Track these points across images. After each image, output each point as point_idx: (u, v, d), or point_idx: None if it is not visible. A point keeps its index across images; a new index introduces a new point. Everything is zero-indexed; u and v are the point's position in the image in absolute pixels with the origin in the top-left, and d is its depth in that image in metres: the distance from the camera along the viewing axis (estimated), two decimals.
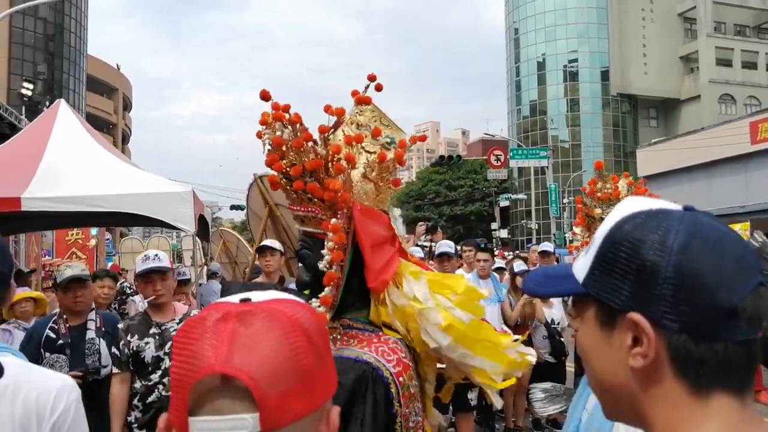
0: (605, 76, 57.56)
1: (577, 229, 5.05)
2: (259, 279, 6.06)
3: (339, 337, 2.27)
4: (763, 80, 52.81)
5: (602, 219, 4.47)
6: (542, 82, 60.58)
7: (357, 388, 2.04)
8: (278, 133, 2.27)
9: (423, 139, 3.30)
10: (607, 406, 0.95)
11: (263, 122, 2.32)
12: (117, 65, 57.91)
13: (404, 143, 2.39)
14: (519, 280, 7.56)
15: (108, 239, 32.28)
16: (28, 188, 7.00)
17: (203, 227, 8.49)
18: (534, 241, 38.01)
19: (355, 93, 2.47)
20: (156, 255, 4.04)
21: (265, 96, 2.36)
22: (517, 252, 12.11)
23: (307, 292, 2.42)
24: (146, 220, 8.04)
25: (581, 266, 0.95)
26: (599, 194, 4.66)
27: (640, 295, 0.84)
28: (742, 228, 24.59)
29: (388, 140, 2.36)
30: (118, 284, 8.03)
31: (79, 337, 4.41)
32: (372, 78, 2.47)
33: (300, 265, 2.42)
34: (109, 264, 28.68)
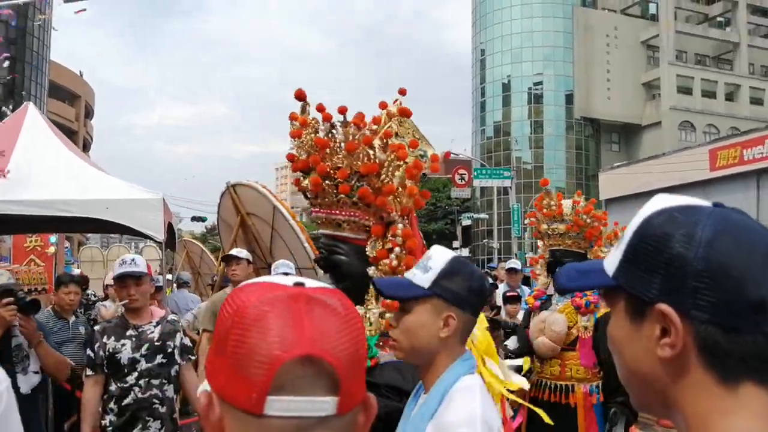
0: (569, 99, 58.41)
1: (540, 243, 5.17)
2: (229, 289, 6.02)
3: (386, 345, 2.22)
4: (721, 109, 54.13)
5: (548, 234, 4.63)
6: (507, 103, 61.19)
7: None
8: (321, 134, 2.27)
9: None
10: (636, 396, 0.98)
11: (302, 122, 2.31)
12: (80, 72, 57.02)
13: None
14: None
15: (67, 247, 31.69)
16: None
17: (170, 236, 8.40)
18: (495, 261, 38.29)
19: (383, 105, 2.47)
20: (133, 260, 3.99)
21: (300, 96, 2.36)
22: (486, 270, 12.13)
23: None
24: (113, 226, 7.91)
25: (612, 260, 0.96)
26: (545, 210, 4.80)
27: (669, 287, 0.86)
28: None
29: (421, 153, 2.35)
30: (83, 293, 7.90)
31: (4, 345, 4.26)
32: (402, 92, 2.49)
33: (324, 272, 2.39)
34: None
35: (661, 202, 0.93)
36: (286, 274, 5.79)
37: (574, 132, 58.95)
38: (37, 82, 46.01)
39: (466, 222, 48.45)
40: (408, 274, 1.84)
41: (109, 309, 7.28)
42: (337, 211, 2.27)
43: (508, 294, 7.64)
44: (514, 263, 9.08)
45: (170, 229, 8.29)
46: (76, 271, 15.58)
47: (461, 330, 1.77)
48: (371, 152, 2.22)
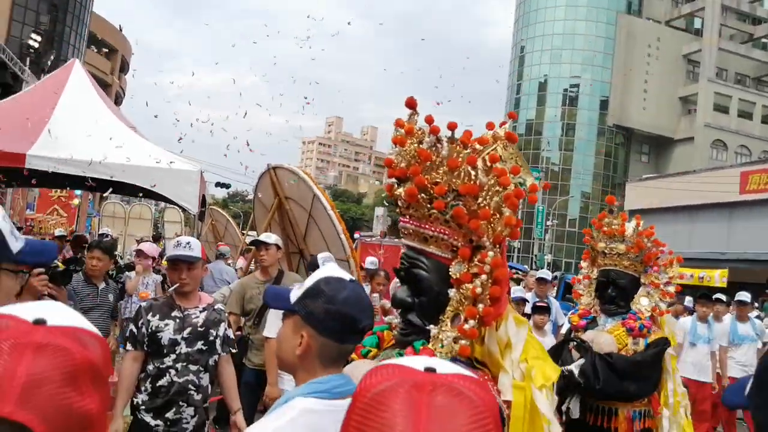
0: (604, 105, 57.98)
1: (583, 263, 5.03)
2: (258, 273, 5.95)
3: None
4: (756, 131, 53.47)
5: (604, 253, 4.48)
6: (542, 102, 60.94)
7: None
8: (425, 145, 2.20)
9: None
10: None
11: (409, 130, 2.24)
12: (119, 26, 57.19)
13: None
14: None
15: (90, 199, 31.94)
16: (34, 146, 6.86)
17: (201, 207, 8.39)
18: (514, 260, 38.27)
19: (490, 126, 2.41)
20: (188, 243, 3.90)
21: (411, 104, 2.29)
22: (513, 272, 11.98)
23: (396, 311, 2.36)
24: (143, 190, 7.91)
25: None
26: (606, 229, 4.65)
27: None
28: (720, 275, 24.91)
29: (521, 181, 2.28)
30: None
31: None
32: (513, 116, 2.43)
33: (402, 284, 2.33)
34: (88, 226, 28.39)
35: None
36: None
37: (605, 138, 58.56)
38: (77, 32, 46.09)
39: None
40: (293, 289, 1.84)
41: (132, 281, 7.25)
42: (427, 226, 2.20)
43: (537, 304, 7.52)
44: (545, 273, 8.96)
45: (202, 201, 8.28)
46: (105, 230, 15.71)
47: (317, 352, 1.73)
48: (473, 173, 2.14)
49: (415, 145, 2.22)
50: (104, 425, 0.95)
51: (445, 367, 0.87)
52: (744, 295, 8.77)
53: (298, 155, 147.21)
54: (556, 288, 12.13)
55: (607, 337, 4.29)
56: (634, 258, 4.48)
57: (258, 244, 5.88)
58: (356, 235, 23.83)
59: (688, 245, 30.94)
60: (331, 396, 1.66)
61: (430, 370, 0.84)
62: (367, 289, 7.43)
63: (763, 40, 58.98)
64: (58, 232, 14.47)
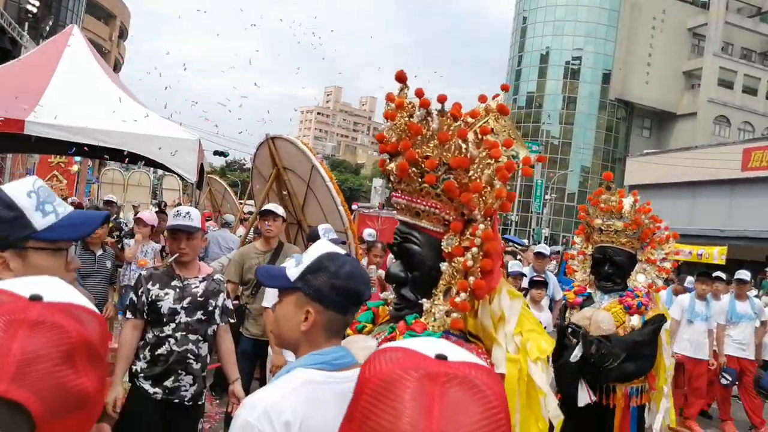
0: (606, 78, 57.56)
1: (577, 239, 5.01)
2: (258, 243, 5.95)
3: None
4: (760, 108, 53.12)
5: (601, 230, 4.46)
6: (543, 75, 60.50)
7: None
8: (415, 119, 2.18)
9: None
10: None
11: (399, 104, 2.23)
12: None
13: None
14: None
15: (89, 166, 31.88)
16: (34, 112, 6.83)
17: (200, 176, 8.37)
18: (511, 232, 38.30)
19: (483, 98, 2.38)
20: (188, 213, 3.91)
21: (401, 77, 2.28)
22: (510, 246, 11.96)
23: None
24: (143, 159, 7.89)
25: None
26: (603, 205, 4.62)
27: None
28: (719, 252, 24.97)
29: (514, 153, 2.27)
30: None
31: None
32: (505, 88, 2.43)
33: (395, 259, 2.34)
34: (87, 191, 28.36)
35: None
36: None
37: (607, 113, 58.26)
38: None
39: None
40: (286, 264, 1.88)
41: (131, 248, 7.28)
42: (419, 200, 2.20)
43: (534, 278, 7.54)
44: (543, 248, 9.00)
45: (201, 170, 8.26)
46: (110, 196, 15.70)
47: (324, 325, 1.78)
48: (464, 146, 2.13)
49: (406, 118, 2.21)
50: (100, 402, 0.95)
51: (455, 354, 0.87)
52: (743, 274, 8.78)
53: (296, 125, 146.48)
54: (557, 263, 12.17)
55: (605, 314, 4.29)
56: (632, 235, 4.46)
57: (267, 213, 5.87)
58: (354, 207, 23.84)
59: (689, 221, 30.96)
60: (331, 367, 1.71)
61: (441, 358, 0.83)
62: (365, 261, 7.45)
63: None
64: None
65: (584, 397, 3.96)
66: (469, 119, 2.23)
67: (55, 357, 0.86)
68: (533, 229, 39.18)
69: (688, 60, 56.85)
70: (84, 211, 1.80)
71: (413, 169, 2.17)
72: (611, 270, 4.45)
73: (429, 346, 0.86)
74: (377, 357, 0.85)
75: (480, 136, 2.16)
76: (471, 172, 2.13)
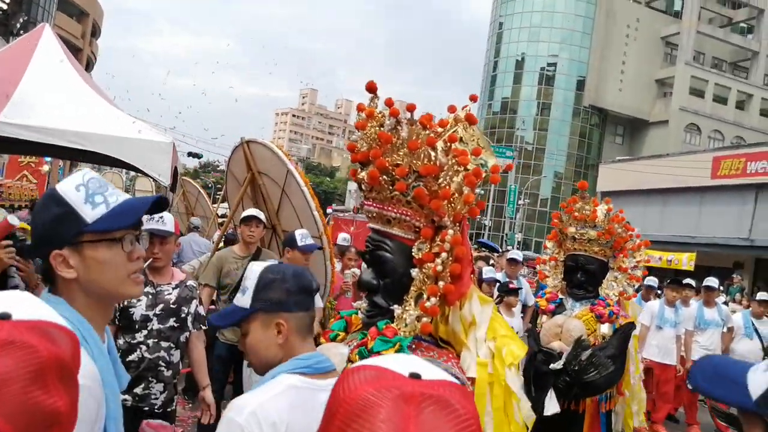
0: (580, 85, 58.07)
1: (549, 243, 5.05)
2: (237, 248, 5.90)
3: (418, 349, 2.23)
4: (730, 116, 53.92)
5: (574, 238, 4.51)
6: (518, 81, 60.83)
7: None
8: (385, 128, 2.22)
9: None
10: None
11: (369, 114, 2.26)
12: None
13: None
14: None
15: (60, 167, 31.47)
16: (3, 112, 6.72)
17: (173, 179, 8.30)
18: (485, 237, 38.45)
19: (452, 109, 2.44)
20: (161, 217, 3.85)
21: (371, 88, 2.31)
22: (483, 252, 11.97)
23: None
24: (115, 161, 7.80)
25: (761, 382, 0.90)
26: (577, 214, 4.66)
27: None
28: (688, 258, 25.29)
29: (483, 162, 2.32)
30: None
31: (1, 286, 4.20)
32: (474, 98, 2.47)
33: (367, 267, 2.37)
34: None
35: None
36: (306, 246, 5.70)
37: (581, 119, 58.76)
38: None
39: None
40: (235, 300, 1.90)
41: None
42: (390, 208, 2.24)
43: (510, 287, 7.56)
44: (516, 254, 9.03)
45: (174, 173, 8.19)
46: None
47: (296, 329, 1.84)
48: (433, 154, 2.18)
49: (376, 128, 2.25)
50: (72, 422, 0.93)
51: (429, 372, 0.87)
52: (712, 281, 8.93)
53: (271, 126, 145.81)
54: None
55: (577, 323, 4.34)
56: (605, 244, 4.51)
57: (250, 219, 5.83)
58: (329, 210, 23.79)
59: (659, 228, 31.39)
60: (313, 371, 1.77)
61: (415, 376, 0.84)
62: (339, 265, 7.43)
63: (742, 24, 59.30)
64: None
65: (552, 406, 4.00)
66: (439, 128, 2.28)
67: (25, 378, 0.84)
68: (506, 234, 39.42)
69: (660, 68, 57.59)
70: (135, 198, 1.76)
71: (384, 177, 2.21)
72: (583, 278, 4.50)
73: (402, 364, 0.87)
74: (350, 375, 0.84)
75: (448, 144, 2.21)
76: (440, 180, 2.18)
